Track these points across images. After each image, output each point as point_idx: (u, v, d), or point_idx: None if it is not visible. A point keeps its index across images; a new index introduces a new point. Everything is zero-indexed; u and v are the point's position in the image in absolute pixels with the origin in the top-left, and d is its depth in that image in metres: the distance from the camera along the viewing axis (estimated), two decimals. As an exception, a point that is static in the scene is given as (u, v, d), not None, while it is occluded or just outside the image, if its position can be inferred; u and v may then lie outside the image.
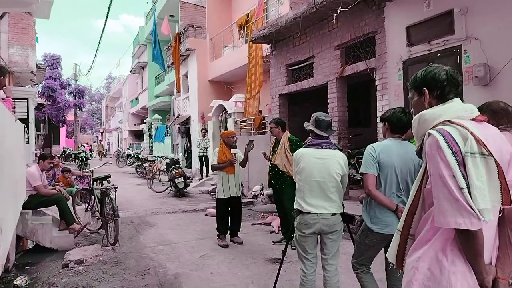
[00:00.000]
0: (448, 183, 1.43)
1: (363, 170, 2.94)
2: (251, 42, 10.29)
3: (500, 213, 1.55)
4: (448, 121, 1.55)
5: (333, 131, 3.46)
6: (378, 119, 6.47)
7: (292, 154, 5.27)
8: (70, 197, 6.92)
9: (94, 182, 6.83)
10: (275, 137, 5.73)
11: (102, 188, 6.35)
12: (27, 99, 10.37)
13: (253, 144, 5.80)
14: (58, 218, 6.39)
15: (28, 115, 10.09)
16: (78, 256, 5.27)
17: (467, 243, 1.46)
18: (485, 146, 1.45)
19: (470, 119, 1.58)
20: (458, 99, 1.66)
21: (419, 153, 1.69)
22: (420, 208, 1.66)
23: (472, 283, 1.50)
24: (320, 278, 3.36)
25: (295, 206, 3.30)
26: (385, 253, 3.07)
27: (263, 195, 9.02)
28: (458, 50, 5.25)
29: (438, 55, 5.54)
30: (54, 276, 4.75)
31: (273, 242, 5.78)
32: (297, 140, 5.43)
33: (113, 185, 6.35)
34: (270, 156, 5.73)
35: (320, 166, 3.19)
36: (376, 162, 2.89)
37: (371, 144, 3.02)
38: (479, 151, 1.45)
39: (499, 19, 4.73)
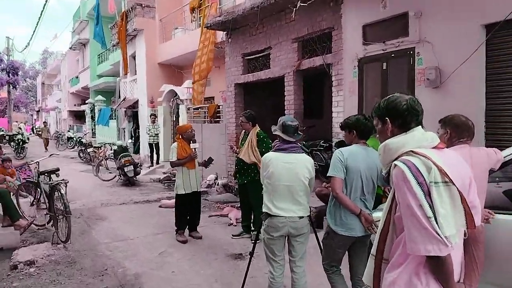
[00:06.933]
0: (416, 213, 1.52)
1: (332, 173, 3.04)
2: (205, 28, 10.04)
3: (465, 235, 1.68)
4: (412, 151, 1.64)
5: (300, 135, 3.51)
6: (334, 115, 6.68)
7: (258, 149, 5.35)
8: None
9: (41, 175, 6.43)
10: (244, 130, 5.74)
11: (51, 183, 5.99)
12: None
13: (212, 163, 6.06)
14: (0, 213, 5.97)
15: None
16: (27, 256, 4.96)
17: (437, 268, 1.57)
18: (447, 175, 1.56)
19: (432, 148, 1.69)
20: (419, 127, 1.76)
21: (387, 180, 1.77)
22: (391, 233, 1.75)
23: None
24: (287, 279, 3.45)
25: (264, 209, 3.35)
26: (349, 256, 3.24)
27: (217, 184, 9.01)
28: (411, 52, 5.49)
29: (393, 55, 5.77)
30: (2, 280, 4.45)
31: (233, 235, 5.81)
32: (265, 136, 5.47)
33: (63, 179, 6.00)
34: (237, 150, 5.74)
35: (289, 170, 3.25)
36: (344, 166, 3.01)
37: (340, 149, 3.12)
38: (442, 180, 1.55)
39: (451, 25, 4.99)
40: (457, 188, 1.57)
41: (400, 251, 1.68)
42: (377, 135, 1.94)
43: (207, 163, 5.97)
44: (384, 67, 5.94)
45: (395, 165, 1.63)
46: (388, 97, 1.86)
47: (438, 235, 1.49)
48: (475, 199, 1.73)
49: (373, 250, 1.83)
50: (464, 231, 1.67)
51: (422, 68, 5.33)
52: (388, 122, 1.80)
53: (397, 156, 1.68)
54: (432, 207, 1.51)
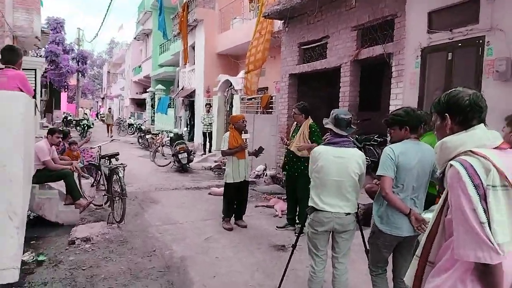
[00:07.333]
0: (469, 217, 1.43)
1: (381, 172, 2.88)
2: (263, 18, 9.98)
3: None
4: (471, 151, 1.53)
5: (353, 129, 3.37)
6: (391, 109, 6.35)
7: (310, 142, 5.25)
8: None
9: (102, 159, 6.76)
10: (296, 122, 5.65)
11: (110, 166, 6.27)
12: (35, 69, 10.13)
13: (262, 152, 6.05)
14: (63, 192, 6.35)
15: (35, 87, 9.88)
16: (84, 233, 5.27)
17: (485, 276, 1.47)
18: (507, 179, 1.45)
19: (493, 148, 1.56)
20: (481, 125, 1.63)
21: (441, 180, 1.67)
22: (440, 235, 1.67)
23: None
24: (328, 274, 3.36)
25: (310, 203, 3.26)
26: (394, 257, 3.10)
27: (266, 175, 8.98)
28: (481, 41, 5.05)
29: (459, 44, 5.34)
30: (61, 253, 4.73)
31: (277, 227, 5.78)
32: (317, 130, 5.37)
33: (122, 163, 6.26)
34: (288, 142, 5.68)
35: (339, 165, 3.13)
36: (395, 165, 2.84)
37: (391, 146, 2.96)
38: (501, 183, 1.45)
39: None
40: None
41: (448, 256, 1.60)
42: (435, 132, 1.81)
43: (257, 152, 5.98)
44: (450, 58, 5.53)
45: (451, 165, 1.53)
46: (449, 91, 1.73)
47: (490, 242, 1.40)
48: None
49: (418, 251, 1.76)
50: None
51: (492, 59, 4.87)
52: (447, 118, 1.68)
53: (454, 156, 1.57)
54: (486, 211, 1.42)
